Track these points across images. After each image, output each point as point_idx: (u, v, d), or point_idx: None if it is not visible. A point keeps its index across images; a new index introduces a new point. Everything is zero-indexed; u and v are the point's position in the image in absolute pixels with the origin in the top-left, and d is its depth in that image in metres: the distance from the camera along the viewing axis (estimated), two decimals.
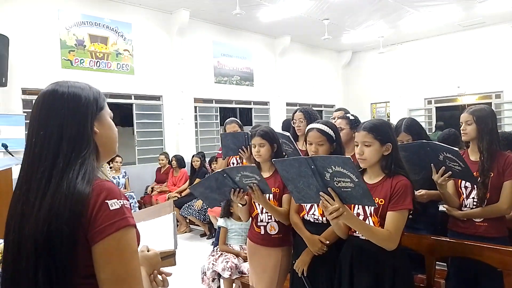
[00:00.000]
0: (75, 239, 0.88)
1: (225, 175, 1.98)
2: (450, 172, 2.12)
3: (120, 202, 0.93)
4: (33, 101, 5.79)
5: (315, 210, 2.12)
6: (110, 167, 6.00)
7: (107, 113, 1.07)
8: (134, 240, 0.96)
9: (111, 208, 0.91)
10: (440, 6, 7.63)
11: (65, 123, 0.96)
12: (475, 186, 2.25)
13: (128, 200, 0.97)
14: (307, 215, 2.15)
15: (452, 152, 2.08)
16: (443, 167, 2.13)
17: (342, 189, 1.58)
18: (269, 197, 2.31)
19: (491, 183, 2.20)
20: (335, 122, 2.70)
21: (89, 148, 0.97)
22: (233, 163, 3.69)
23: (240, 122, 3.73)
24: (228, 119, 3.76)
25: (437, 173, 2.16)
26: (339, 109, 3.64)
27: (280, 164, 1.73)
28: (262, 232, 2.35)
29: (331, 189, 1.59)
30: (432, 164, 2.17)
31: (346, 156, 1.49)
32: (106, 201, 0.91)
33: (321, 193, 1.63)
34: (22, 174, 0.97)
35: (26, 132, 5.56)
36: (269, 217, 2.33)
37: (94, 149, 0.99)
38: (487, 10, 7.75)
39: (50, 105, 0.98)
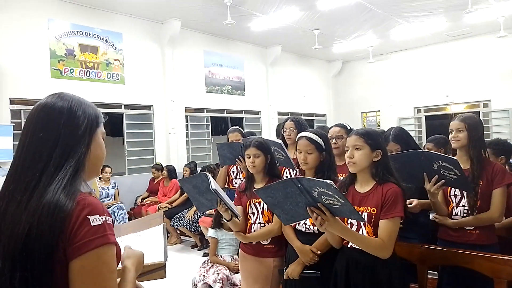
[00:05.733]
0: (53, 249, 0.86)
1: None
2: (443, 180, 2.12)
3: (102, 218, 0.91)
4: (22, 111, 5.70)
5: (306, 220, 2.11)
6: (100, 178, 5.92)
7: (101, 132, 1.07)
8: (113, 258, 0.93)
9: (92, 224, 0.89)
10: (428, 17, 7.77)
11: (63, 131, 0.96)
12: (464, 195, 2.26)
13: (110, 216, 0.96)
14: (298, 225, 2.14)
15: (448, 161, 2.07)
16: (436, 175, 2.13)
17: (331, 205, 1.58)
18: (263, 207, 2.30)
19: (481, 191, 2.21)
20: (332, 130, 2.70)
21: (80, 161, 0.97)
22: (233, 172, 3.67)
23: (242, 131, 3.72)
24: (231, 128, 3.77)
25: (429, 182, 2.16)
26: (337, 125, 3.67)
27: (263, 192, 1.69)
28: (254, 242, 2.33)
29: (321, 204, 1.59)
30: (424, 173, 2.17)
31: (329, 181, 1.49)
32: (88, 216, 0.89)
33: (311, 208, 1.61)
34: (12, 172, 0.96)
35: (15, 141, 5.48)
36: (262, 228, 2.31)
37: (83, 165, 0.98)
38: (474, 20, 7.92)
39: (53, 108, 0.99)
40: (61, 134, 0.96)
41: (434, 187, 2.14)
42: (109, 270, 0.91)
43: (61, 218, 0.87)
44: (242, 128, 8.83)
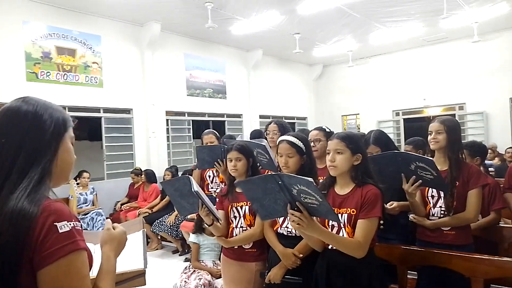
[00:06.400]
0: (18, 260, 0.83)
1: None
2: (420, 181, 2.17)
3: (70, 224, 0.88)
4: None
5: (288, 223, 2.11)
6: (77, 183, 5.78)
7: (70, 136, 1.04)
8: (85, 264, 0.91)
9: (60, 231, 0.86)
10: (405, 22, 7.95)
11: (27, 136, 0.93)
12: (441, 195, 2.31)
13: (79, 222, 0.93)
14: (280, 228, 2.14)
15: (425, 161, 2.12)
16: (414, 176, 2.17)
17: (309, 204, 1.60)
18: (245, 211, 2.29)
19: (457, 192, 2.26)
20: (311, 133, 2.72)
21: (45, 168, 0.94)
22: (209, 176, 3.65)
23: (217, 133, 3.71)
24: (205, 130, 3.75)
25: (407, 182, 2.20)
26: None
27: (243, 185, 1.73)
28: (236, 246, 2.32)
29: (299, 203, 1.59)
30: (402, 174, 2.21)
31: (309, 179, 1.51)
32: (55, 223, 0.86)
33: (289, 208, 1.62)
34: None
35: None
36: (244, 231, 2.30)
37: (50, 171, 0.95)
38: (449, 26, 8.15)
39: (17, 113, 0.96)
40: (25, 140, 0.93)
41: (411, 188, 2.18)
42: (80, 277, 0.88)
43: (26, 227, 0.84)
44: (224, 132, 8.86)
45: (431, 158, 2.16)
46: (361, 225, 1.76)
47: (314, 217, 1.65)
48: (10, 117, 0.95)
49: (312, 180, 1.50)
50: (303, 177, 1.51)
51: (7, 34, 5.61)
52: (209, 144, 3.54)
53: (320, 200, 1.54)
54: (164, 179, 6.19)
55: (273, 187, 1.60)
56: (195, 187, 2.03)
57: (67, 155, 1.02)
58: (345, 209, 1.84)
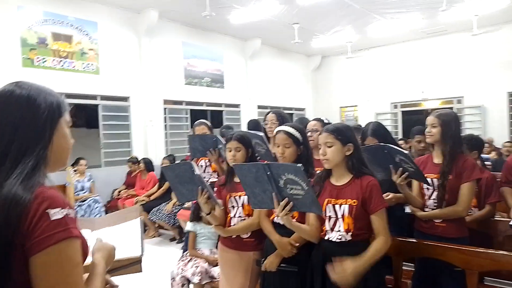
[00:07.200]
0: (10, 246, 0.82)
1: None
2: (407, 172, 2.21)
3: (63, 211, 0.87)
4: None
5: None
6: (75, 170, 5.77)
7: (65, 121, 1.01)
8: (77, 252, 0.89)
9: (52, 218, 0.84)
10: (405, 14, 7.90)
11: (21, 122, 0.91)
12: (435, 188, 2.32)
13: (73, 209, 0.91)
14: (277, 218, 2.14)
15: (403, 155, 2.18)
16: (401, 168, 2.21)
17: (294, 196, 1.62)
18: (243, 201, 2.29)
19: (449, 185, 2.27)
20: (309, 124, 2.73)
21: (39, 155, 0.91)
22: (201, 165, 3.64)
23: (209, 124, 3.69)
24: (197, 121, 3.73)
25: (395, 174, 2.24)
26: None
27: (239, 169, 1.76)
28: (234, 235, 2.33)
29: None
30: (391, 166, 2.25)
31: (298, 165, 1.53)
32: (47, 210, 0.84)
33: (275, 199, 1.67)
34: None
35: None
36: (242, 221, 2.31)
37: (44, 157, 0.93)
38: (449, 18, 8.10)
39: (9, 98, 0.93)
40: (19, 126, 0.91)
41: (400, 179, 2.22)
42: (72, 265, 0.87)
43: (18, 213, 0.83)
44: (222, 122, 8.83)
45: (406, 152, 2.22)
46: (377, 220, 1.82)
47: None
48: (3, 103, 0.93)
49: (301, 166, 1.51)
50: (291, 164, 1.53)
51: (2, 19, 5.53)
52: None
53: (306, 188, 1.55)
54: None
55: (263, 176, 1.62)
56: (197, 171, 2.04)
57: (63, 140, 0.99)
58: (344, 199, 1.85)
